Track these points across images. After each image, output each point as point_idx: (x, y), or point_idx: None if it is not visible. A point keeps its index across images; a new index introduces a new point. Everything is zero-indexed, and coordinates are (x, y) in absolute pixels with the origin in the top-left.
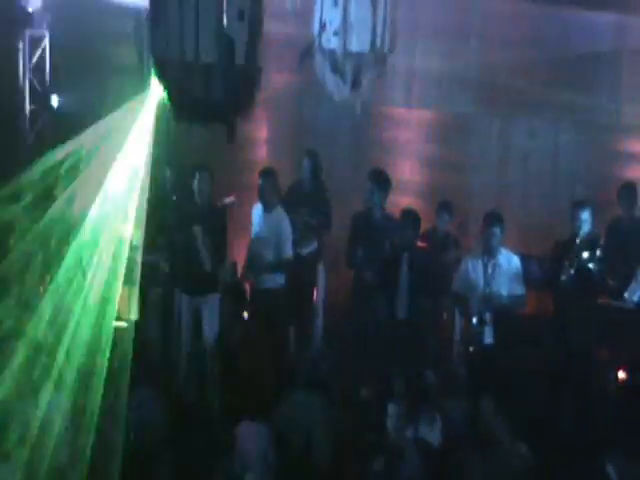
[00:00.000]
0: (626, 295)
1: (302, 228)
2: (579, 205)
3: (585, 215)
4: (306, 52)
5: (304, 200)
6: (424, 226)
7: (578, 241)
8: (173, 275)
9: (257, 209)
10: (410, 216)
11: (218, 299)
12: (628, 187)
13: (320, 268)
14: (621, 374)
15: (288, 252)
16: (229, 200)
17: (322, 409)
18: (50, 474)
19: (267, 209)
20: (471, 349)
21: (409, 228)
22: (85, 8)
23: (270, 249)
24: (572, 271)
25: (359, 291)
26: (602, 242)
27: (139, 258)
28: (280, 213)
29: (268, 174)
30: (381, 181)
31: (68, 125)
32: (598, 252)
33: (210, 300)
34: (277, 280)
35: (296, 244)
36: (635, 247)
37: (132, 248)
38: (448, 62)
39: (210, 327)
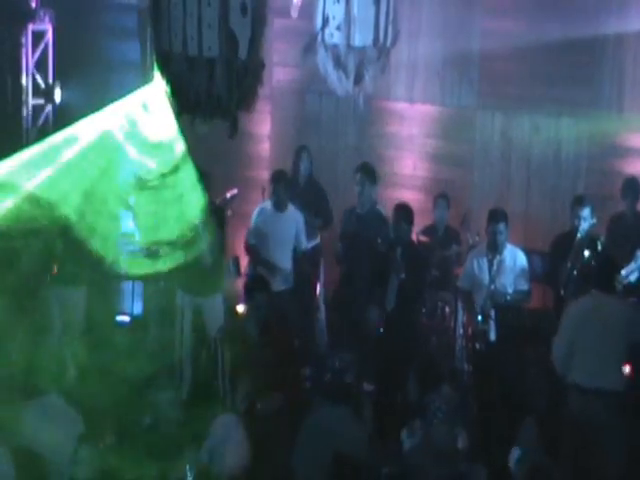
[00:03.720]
0: (623, 273)
1: (304, 222)
2: (579, 202)
3: (585, 212)
4: (309, 47)
5: (301, 196)
6: (427, 221)
7: (578, 238)
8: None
9: (264, 210)
10: (403, 211)
11: (221, 299)
12: (631, 181)
13: (320, 262)
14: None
15: (305, 244)
16: (232, 193)
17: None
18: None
19: (280, 210)
20: (477, 346)
21: (402, 223)
22: (88, 2)
23: (290, 246)
24: (572, 268)
25: (346, 286)
26: (602, 239)
27: (142, 252)
28: (292, 210)
29: (281, 177)
30: (372, 174)
31: (71, 120)
32: (599, 248)
33: (212, 300)
34: (290, 280)
35: None
36: (638, 241)
37: (134, 242)
38: (451, 56)
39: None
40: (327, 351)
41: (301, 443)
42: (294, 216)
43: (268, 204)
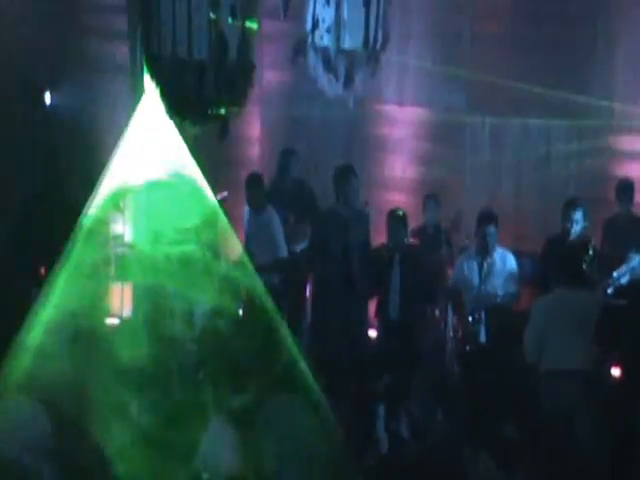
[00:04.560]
0: (615, 275)
1: (294, 223)
2: (571, 204)
3: (577, 215)
4: (299, 49)
5: (290, 197)
6: (417, 223)
7: (569, 241)
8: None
9: (247, 209)
10: (398, 216)
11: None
12: (626, 184)
13: None
14: (615, 371)
15: (283, 252)
16: (222, 196)
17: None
18: None
19: (256, 211)
20: (468, 348)
21: (400, 228)
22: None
23: (263, 250)
24: None
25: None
26: (593, 242)
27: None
28: (270, 213)
29: (255, 182)
30: (351, 176)
31: (61, 122)
32: (590, 252)
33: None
34: (272, 279)
35: (288, 240)
36: (632, 244)
37: (124, 244)
38: (441, 60)
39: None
40: None
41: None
42: (269, 219)
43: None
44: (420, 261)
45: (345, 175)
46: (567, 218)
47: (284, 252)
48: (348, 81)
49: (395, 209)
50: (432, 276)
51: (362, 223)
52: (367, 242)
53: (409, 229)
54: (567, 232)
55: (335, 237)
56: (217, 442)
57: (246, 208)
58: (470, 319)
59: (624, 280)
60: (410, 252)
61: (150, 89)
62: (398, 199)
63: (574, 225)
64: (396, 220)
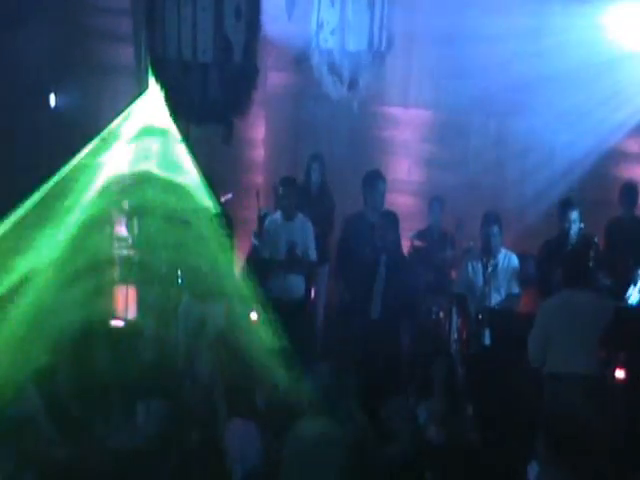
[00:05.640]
0: (626, 297)
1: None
2: (567, 205)
3: (574, 215)
4: (303, 55)
5: (313, 205)
6: (421, 226)
7: (570, 241)
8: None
9: (273, 219)
10: (389, 218)
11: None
12: (629, 186)
13: (322, 271)
14: (619, 373)
15: (313, 256)
16: (226, 198)
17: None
18: None
19: (288, 217)
20: (472, 350)
21: (389, 230)
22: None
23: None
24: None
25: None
26: (596, 240)
27: (135, 256)
28: (302, 218)
29: (290, 184)
30: (379, 181)
31: (65, 124)
32: (592, 252)
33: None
34: (299, 290)
35: None
36: (635, 246)
37: (128, 246)
38: (445, 61)
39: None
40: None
41: (288, 459)
42: (303, 225)
43: (278, 214)
44: (408, 265)
45: (373, 180)
46: (564, 218)
47: (314, 257)
48: (352, 83)
49: (385, 211)
50: (427, 277)
51: (390, 227)
52: (396, 245)
53: (413, 231)
54: (565, 232)
55: (363, 241)
56: (241, 437)
57: (270, 219)
58: (475, 321)
59: (635, 300)
60: (398, 255)
61: (155, 91)
62: (403, 201)
63: (572, 225)
64: (385, 222)
